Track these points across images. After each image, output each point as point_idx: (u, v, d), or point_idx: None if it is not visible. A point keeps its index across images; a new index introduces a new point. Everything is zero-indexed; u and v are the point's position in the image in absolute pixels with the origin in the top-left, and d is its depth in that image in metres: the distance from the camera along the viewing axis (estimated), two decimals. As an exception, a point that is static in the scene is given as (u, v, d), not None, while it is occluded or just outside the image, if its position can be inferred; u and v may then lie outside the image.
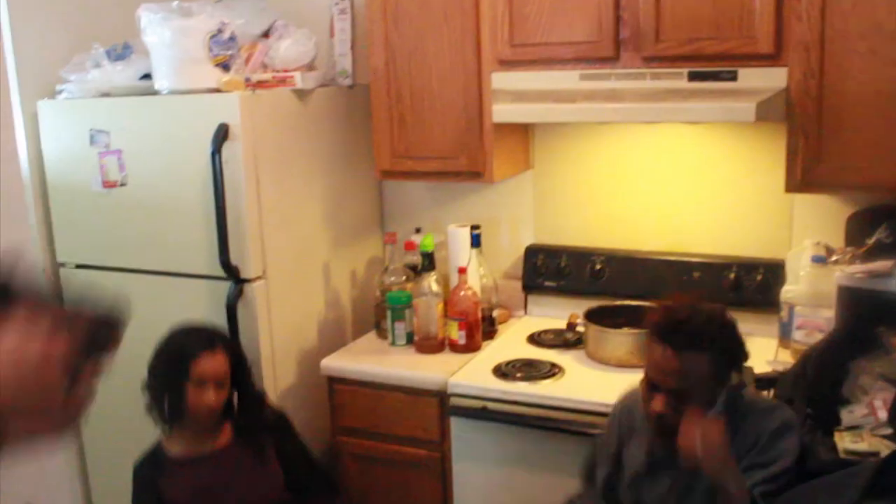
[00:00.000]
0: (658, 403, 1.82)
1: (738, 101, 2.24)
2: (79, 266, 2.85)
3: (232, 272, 2.56)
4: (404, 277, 2.84)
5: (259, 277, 2.62)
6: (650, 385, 1.84)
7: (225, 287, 2.59)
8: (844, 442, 1.84)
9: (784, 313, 2.57)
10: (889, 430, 1.84)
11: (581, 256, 2.92)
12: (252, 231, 2.57)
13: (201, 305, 2.66)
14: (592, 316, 2.65)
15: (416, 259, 2.87)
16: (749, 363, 2.44)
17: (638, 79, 2.45)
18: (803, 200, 2.66)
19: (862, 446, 1.82)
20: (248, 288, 2.60)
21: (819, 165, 2.32)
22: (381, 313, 2.87)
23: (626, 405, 2.08)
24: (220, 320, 2.58)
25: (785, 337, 2.57)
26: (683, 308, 1.87)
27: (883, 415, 1.86)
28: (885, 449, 1.78)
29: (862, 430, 1.88)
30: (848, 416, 1.93)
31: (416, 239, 2.91)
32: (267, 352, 2.67)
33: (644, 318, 2.01)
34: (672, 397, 1.80)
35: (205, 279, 2.65)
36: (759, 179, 2.71)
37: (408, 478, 2.68)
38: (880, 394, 1.94)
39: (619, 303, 2.78)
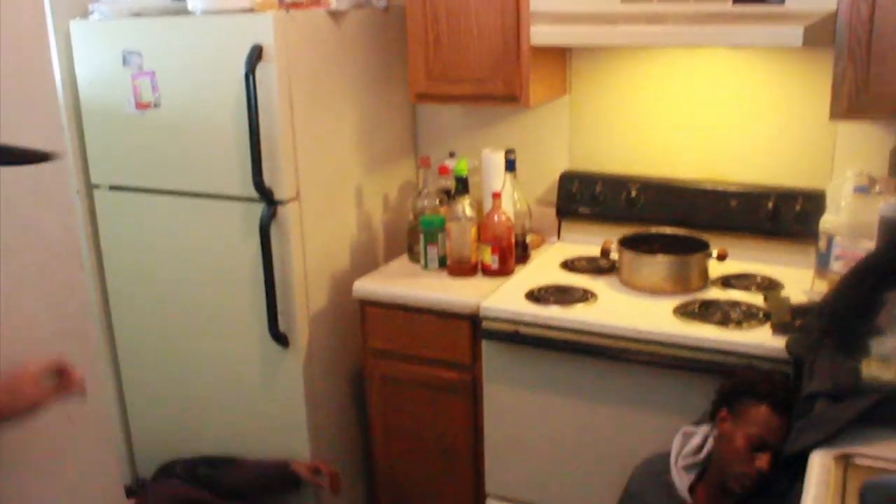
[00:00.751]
0: (765, 461, 1.92)
1: (785, 26, 2.16)
2: (112, 188, 2.87)
3: (265, 194, 2.56)
4: (437, 202, 2.82)
5: (293, 199, 2.62)
6: (753, 446, 1.93)
7: (258, 209, 2.59)
8: (871, 369, 1.83)
9: (822, 243, 2.53)
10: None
11: (616, 183, 2.88)
12: (285, 153, 2.56)
13: (235, 227, 2.68)
14: (627, 243, 2.63)
15: (449, 183, 2.84)
16: (785, 293, 2.45)
17: (681, 1, 2.38)
18: (847, 129, 2.60)
19: (888, 375, 1.80)
20: (281, 210, 2.60)
21: (866, 93, 2.25)
22: (413, 237, 2.87)
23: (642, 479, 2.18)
24: (253, 242, 2.60)
25: (822, 267, 2.53)
26: (767, 374, 2.07)
27: (916, 346, 1.84)
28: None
29: (892, 360, 1.86)
30: (879, 346, 1.91)
31: (450, 163, 2.88)
32: (300, 274, 2.68)
33: (726, 381, 2.10)
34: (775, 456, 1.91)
35: (238, 201, 2.65)
36: (802, 107, 2.65)
37: (438, 400, 2.71)
38: (915, 326, 1.92)
39: (653, 230, 2.75)
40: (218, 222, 2.71)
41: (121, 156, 2.81)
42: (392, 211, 3.12)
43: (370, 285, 2.76)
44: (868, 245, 2.37)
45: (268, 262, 2.61)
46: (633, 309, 2.43)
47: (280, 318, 2.68)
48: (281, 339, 2.70)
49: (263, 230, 2.59)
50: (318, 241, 2.75)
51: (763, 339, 2.21)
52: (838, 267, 2.45)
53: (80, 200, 2.89)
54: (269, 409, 2.83)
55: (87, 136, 2.85)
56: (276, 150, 2.54)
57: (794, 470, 1.71)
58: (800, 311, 2.29)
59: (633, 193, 2.84)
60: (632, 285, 2.57)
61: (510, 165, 2.79)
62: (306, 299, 2.73)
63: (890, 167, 2.47)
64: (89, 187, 2.91)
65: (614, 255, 2.65)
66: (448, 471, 2.78)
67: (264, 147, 2.51)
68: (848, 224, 2.46)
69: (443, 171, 2.87)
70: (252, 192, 2.56)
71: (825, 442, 1.67)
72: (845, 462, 1.62)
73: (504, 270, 2.71)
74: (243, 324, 2.77)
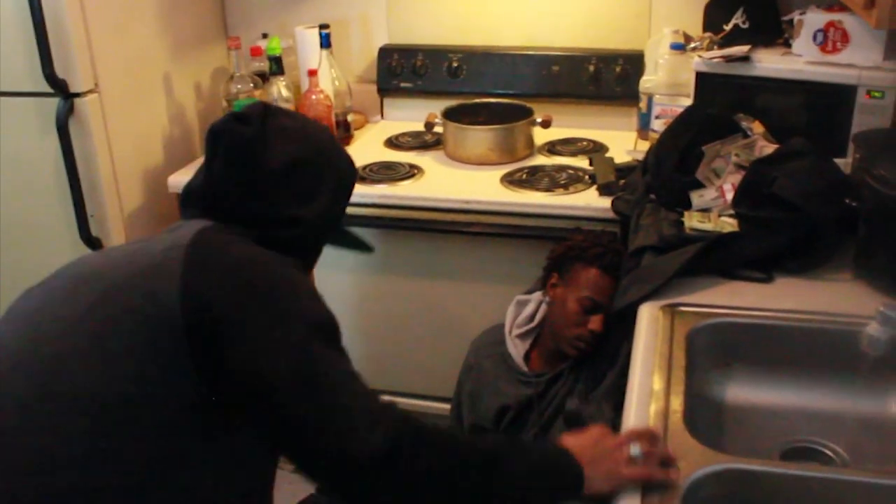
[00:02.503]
0: (597, 323, 1.93)
1: None
2: None
3: (59, 86, 2.33)
4: (252, 85, 2.67)
5: (91, 91, 2.40)
6: (585, 309, 1.93)
7: (53, 104, 2.36)
8: (692, 221, 1.87)
9: (643, 104, 2.55)
10: (733, 211, 1.87)
11: (437, 55, 2.80)
12: (77, 39, 2.33)
13: (30, 126, 2.44)
14: (451, 115, 2.58)
15: (263, 65, 2.70)
16: (610, 154, 2.47)
17: None
18: (661, -12, 2.60)
19: (707, 226, 1.84)
20: (79, 103, 2.38)
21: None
22: (229, 125, 2.71)
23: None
24: (52, 141, 2.39)
25: (644, 128, 2.56)
26: (595, 235, 2.02)
27: (731, 197, 1.89)
28: (728, 228, 1.81)
29: (711, 211, 1.90)
30: (698, 199, 1.95)
31: (263, 44, 2.73)
32: (108, 173, 2.48)
33: (556, 247, 2.07)
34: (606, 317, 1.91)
35: (31, 97, 2.41)
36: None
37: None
38: (731, 177, 1.96)
39: (477, 100, 2.70)
40: (9, 122, 2.46)
41: None
42: (206, 99, 2.93)
43: (186, 178, 2.56)
44: (686, 102, 2.40)
45: (70, 161, 2.40)
46: (461, 181, 2.40)
47: (91, 221, 2.49)
48: (94, 243, 2.51)
49: (61, 127, 2.37)
50: (126, 136, 2.55)
51: (589, 200, 2.22)
52: (659, 126, 2.48)
53: None
54: (90, 318, 2.66)
55: None
56: (66, 36, 2.30)
57: (625, 325, 1.73)
58: (624, 170, 2.31)
59: (455, 64, 2.77)
60: (458, 158, 2.53)
61: (325, 42, 2.66)
62: (118, 199, 2.54)
63: (704, 23, 2.49)
64: None
65: (439, 129, 2.59)
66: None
67: (52, 33, 2.27)
68: (666, 83, 2.48)
69: (255, 52, 2.71)
70: (44, 85, 2.33)
71: (653, 294, 1.69)
72: (672, 311, 1.64)
73: (328, 152, 2.60)
74: (52, 231, 2.56)
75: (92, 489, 1.13)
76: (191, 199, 1.47)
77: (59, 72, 2.32)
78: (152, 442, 1.16)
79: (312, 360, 1.19)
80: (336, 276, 2.47)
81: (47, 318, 1.25)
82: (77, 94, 2.38)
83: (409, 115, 2.86)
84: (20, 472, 1.13)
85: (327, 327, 1.26)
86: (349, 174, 1.56)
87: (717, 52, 2.28)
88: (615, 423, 1.57)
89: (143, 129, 2.65)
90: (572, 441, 1.29)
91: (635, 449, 1.22)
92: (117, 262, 1.30)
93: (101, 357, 1.17)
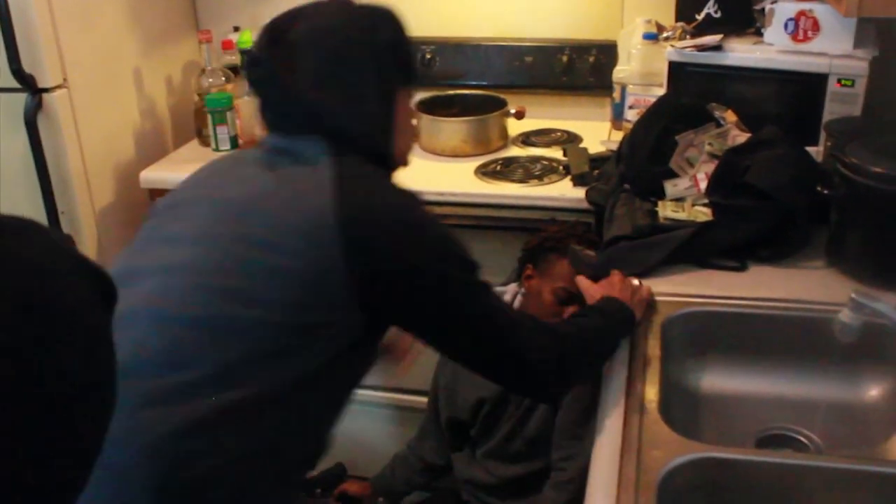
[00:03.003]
0: (572, 313, 1.88)
1: None
2: None
3: (27, 81, 2.30)
4: (224, 79, 2.64)
5: (60, 86, 2.37)
6: (559, 299, 1.92)
7: (21, 99, 2.33)
8: (666, 211, 1.87)
9: (616, 94, 2.55)
10: (707, 200, 1.87)
11: (410, 47, 2.78)
12: (44, 33, 2.29)
13: (-2, 122, 2.41)
14: (424, 106, 2.57)
15: (235, 59, 2.68)
16: (584, 145, 2.47)
17: None
18: (634, -23, 2.60)
19: (681, 215, 1.85)
20: (47, 98, 2.34)
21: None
22: (201, 119, 2.68)
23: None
24: (20, 138, 2.35)
25: (617, 118, 2.56)
26: (569, 226, 2.03)
27: (705, 186, 1.89)
28: (702, 217, 1.82)
29: (685, 201, 1.91)
30: (672, 188, 1.96)
31: (234, 37, 2.70)
32: (78, 169, 2.45)
33: (530, 238, 2.05)
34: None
35: (-3, 92, 2.39)
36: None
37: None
38: (704, 167, 1.96)
39: (451, 92, 2.69)
40: (-24, 119, 2.43)
41: None
42: (177, 94, 2.90)
43: (159, 174, 2.57)
44: (659, 92, 2.40)
45: (39, 158, 2.37)
46: (435, 173, 2.39)
47: (62, 219, 2.46)
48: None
49: (29, 123, 2.33)
50: (96, 132, 2.52)
51: (564, 191, 2.22)
52: (632, 116, 2.48)
53: None
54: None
55: None
56: (33, 30, 2.27)
57: None
58: (598, 161, 2.31)
59: (428, 55, 2.75)
60: (432, 149, 2.51)
61: (298, 34, 2.63)
62: (89, 196, 2.51)
63: (676, 12, 2.49)
64: None
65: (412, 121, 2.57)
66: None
67: (19, 28, 2.24)
68: (639, 72, 2.48)
69: (227, 45, 2.69)
70: (12, 80, 2.29)
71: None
72: (646, 301, 1.65)
73: (301, 147, 2.58)
74: (22, 228, 2.53)
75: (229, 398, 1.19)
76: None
77: (27, 67, 2.29)
78: (308, 360, 1.25)
79: (475, 298, 1.36)
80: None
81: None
82: (45, 90, 2.34)
83: (383, 108, 2.83)
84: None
85: (472, 264, 1.38)
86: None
87: (689, 42, 2.28)
88: (591, 411, 1.57)
89: (114, 125, 2.62)
90: (610, 289, 1.59)
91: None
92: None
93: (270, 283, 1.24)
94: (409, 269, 1.29)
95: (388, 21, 1.44)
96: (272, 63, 1.36)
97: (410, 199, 1.38)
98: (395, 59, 1.43)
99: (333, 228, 1.23)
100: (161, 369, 1.20)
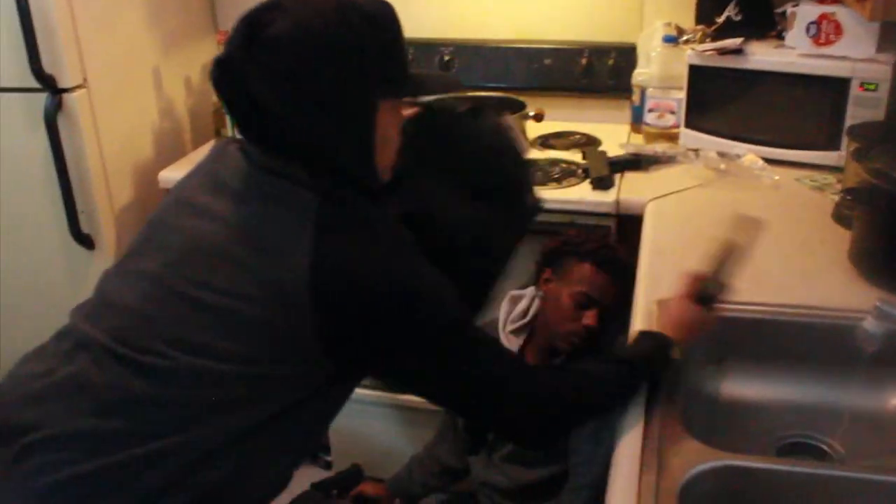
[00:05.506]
0: (591, 318, 1.87)
1: None
2: None
3: (47, 82, 2.31)
4: (243, 79, 2.65)
5: (80, 86, 2.38)
6: (578, 304, 1.89)
7: (42, 99, 2.34)
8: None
9: (636, 97, 2.54)
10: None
11: (429, 48, 2.78)
12: (65, 34, 2.31)
13: (19, 122, 2.42)
14: (443, 109, 2.55)
15: (253, 59, 2.67)
16: (603, 148, 2.46)
17: None
18: (654, -20, 2.59)
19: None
20: (67, 98, 2.36)
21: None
22: (220, 119, 2.69)
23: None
24: (40, 137, 2.37)
25: (637, 121, 2.55)
26: (588, 231, 2.02)
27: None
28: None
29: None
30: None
31: (253, 38, 2.69)
32: (97, 169, 2.46)
33: (549, 241, 2.02)
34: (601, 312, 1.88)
35: (19, 92, 2.38)
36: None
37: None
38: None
39: (470, 94, 2.68)
40: (-2, 118, 2.45)
41: None
42: (196, 94, 2.91)
43: (177, 174, 2.54)
44: (678, 95, 2.39)
45: (59, 157, 2.38)
46: (453, 176, 2.37)
47: (81, 217, 2.47)
48: (85, 240, 2.49)
49: (50, 123, 2.35)
50: (115, 132, 2.53)
51: (583, 194, 2.21)
52: (652, 119, 2.48)
53: None
54: (81, 315, 2.64)
55: None
56: (53, 30, 2.28)
57: (621, 322, 1.72)
58: (617, 164, 2.29)
59: (447, 58, 2.75)
60: (451, 152, 2.51)
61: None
62: (108, 195, 2.52)
63: (697, 15, 2.48)
64: None
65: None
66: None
67: (40, 28, 2.25)
68: (659, 76, 2.48)
69: (245, 46, 2.68)
70: (32, 81, 2.31)
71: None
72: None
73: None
74: (42, 229, 2.54)
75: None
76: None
77: (47, 67, 2.30)
78: (284, 394, 1.22)
79: (458, 361, 1.29)
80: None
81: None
82: (65, 90, 2.35)
83: (402, 108, 2.84)
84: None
85: (459, 322, 1.30)
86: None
87: (709, 45, 2.27)
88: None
89: (133, 125, 2.63)
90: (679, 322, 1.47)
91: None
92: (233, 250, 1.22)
93: (236, 329, 1.19)
94: (387, 346, 1.24)
95: (386, 21, 1.27)
96: (244, 66, 1.22)
97: (395, 260, 1.23)
98: (384, 67, 1.26)
99: (304, 294, 1.15)
100: (101, 411, 1.18)
